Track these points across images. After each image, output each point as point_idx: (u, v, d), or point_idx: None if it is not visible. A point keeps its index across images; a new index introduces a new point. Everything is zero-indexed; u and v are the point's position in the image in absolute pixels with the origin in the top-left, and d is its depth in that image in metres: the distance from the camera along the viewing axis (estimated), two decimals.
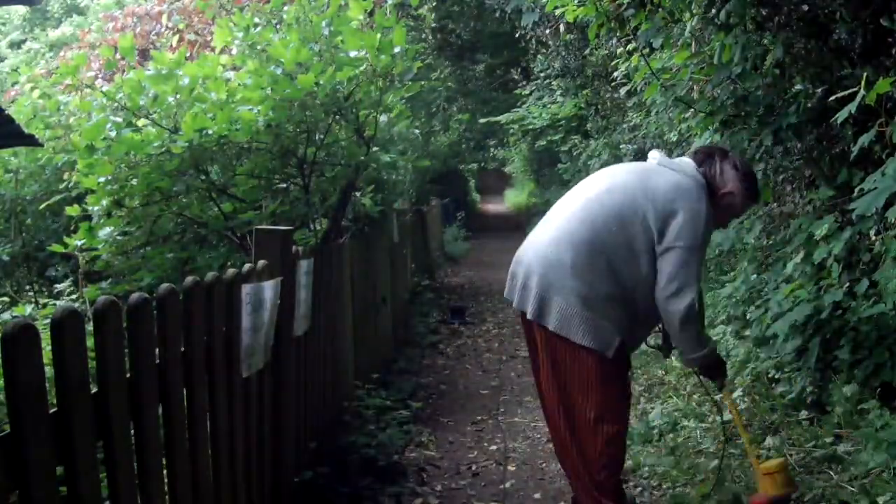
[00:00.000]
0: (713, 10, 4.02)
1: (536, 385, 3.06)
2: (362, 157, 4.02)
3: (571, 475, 2.95)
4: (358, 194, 4.78)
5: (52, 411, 1.48)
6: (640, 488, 3.70)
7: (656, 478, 3.72)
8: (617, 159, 8.94)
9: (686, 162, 2.86)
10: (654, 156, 2.94)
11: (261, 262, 2.69)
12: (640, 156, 8.29)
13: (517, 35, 10.75)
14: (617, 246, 2.70)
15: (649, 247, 2.70)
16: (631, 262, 2.71)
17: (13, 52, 18.71)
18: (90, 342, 1.61)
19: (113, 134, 3.50)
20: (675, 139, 6.44)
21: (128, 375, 1.75)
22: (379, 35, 3.80)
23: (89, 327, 1.62)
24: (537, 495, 3.77)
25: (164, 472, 1.94)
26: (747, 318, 4.59)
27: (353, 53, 3.81)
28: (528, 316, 2.81)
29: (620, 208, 2.72)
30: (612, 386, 2.80)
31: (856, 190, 3.28)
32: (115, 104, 3.63)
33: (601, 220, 2.72)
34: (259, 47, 3.91)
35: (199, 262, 3.80)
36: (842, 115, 2.88)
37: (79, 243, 3.75)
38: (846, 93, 2.88)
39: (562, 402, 2.82)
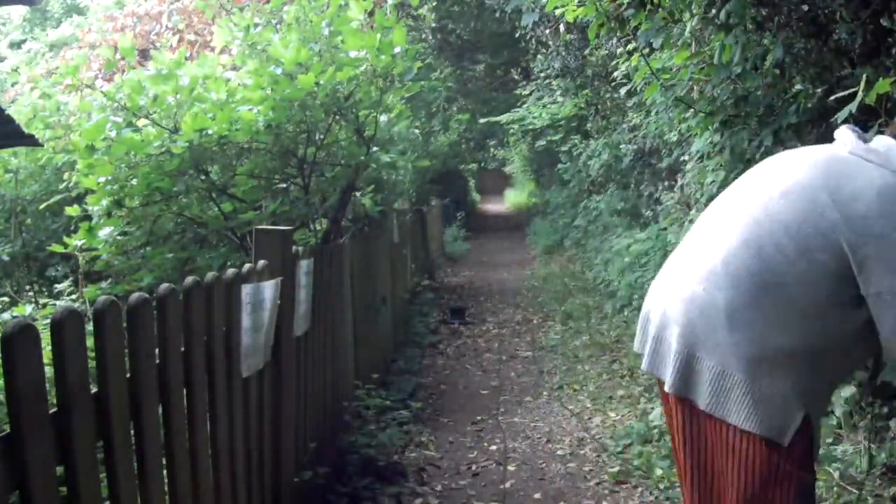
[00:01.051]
0: (713, 10, 4.03)
1: (679, 476, 2.10)
2: (362, 157, 4.01)
3: None
4: (358, 194, 4.78)
5: (52, 411, 1.48)
6: (640, 488, 3.70)
7: (655, 478, 3.72)
8: (617, 159, 8.92)
9: (890, 146, 1.80)
10: (844, 136, 1.88)
11: (261, 262, 2.69)
12: (641, 155, 8.27)
13: (517, 35, 10.76)
14: (798, 278, 1.76)
15: (846, 279, 1.74)
16: (819, 302, 1.77)
17: (13, 52, 18.70)
18: (90, 342, 1.61)
19: (113, 134, 3.50)
20: (675, 139, 6.44)
21: (128, 375, 1.75)
22: (379, 35, 3.80)
23: (89, 327, 1.62)
24: (537, 495, 3.77)
25: (164, 472, 1.94)
26: None
27: (353, 53, 3.81)
28: (667, 388, 1.92)
29: (801, 223, 1.76)
30: (785, 488, 1.81)
31: None
32: (115, 104, 3.63)
33: (772, 239, 1.78)
34: (259, 47, 3.91)
35: (199, 262, 3.80)
36: (842, 115, 2.88)
37: (79, 243, 3.75)
38: (846, 93, 2.88)
39: None
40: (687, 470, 1.96)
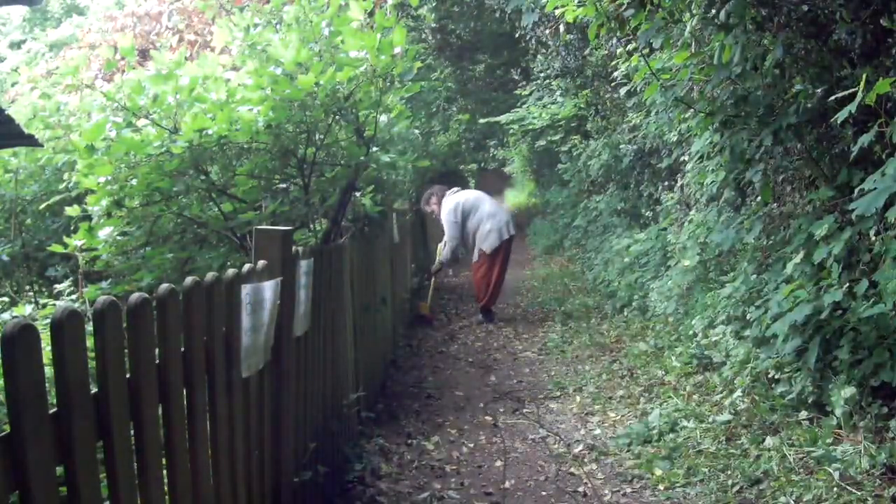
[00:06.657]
0: (713, 10, 4.03)
1: (496, 273, 8.21)
2: (362, 157, 4.01)
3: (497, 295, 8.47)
4: (358, 194, 4.77)
5: (52, 411, 1.48)
6: (640, 488, 3.70)
7: (656, 478, 3.72)
8: (617, 159, 8.95)
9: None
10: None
11: (261, 262, 2.69)
12: (641, 156, 8.31)
13: (517, 35, 10.74)
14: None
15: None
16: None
17: (13, 51, 18.69)
18: (90, 342, 1.61)
19: (113, 134, 3.49)
20: (675, 139, 6.44)
21: (128, 375, 1.74)
22: (379, 35, 3.79)
23: (89, 327, 1.62)
24: (536, 495, 3.77)
25: (164, 472, 1.94)
26: (747, 318, 4.60)
27: (353, 54, 3.80)
28: (511, 233, 8.27)
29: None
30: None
31: (856, 190, 3.28)
32: (115, 104, 3.63)
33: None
34: (259, 47, 3.91)
35: (199, 262, 3.79)
36: (841, 116, 2.88)
37: (79, 243, 3.75)
38: (846, 93, 2.88)
39: (505, 269, 8.35)
40: (501, 273, 8.30)
